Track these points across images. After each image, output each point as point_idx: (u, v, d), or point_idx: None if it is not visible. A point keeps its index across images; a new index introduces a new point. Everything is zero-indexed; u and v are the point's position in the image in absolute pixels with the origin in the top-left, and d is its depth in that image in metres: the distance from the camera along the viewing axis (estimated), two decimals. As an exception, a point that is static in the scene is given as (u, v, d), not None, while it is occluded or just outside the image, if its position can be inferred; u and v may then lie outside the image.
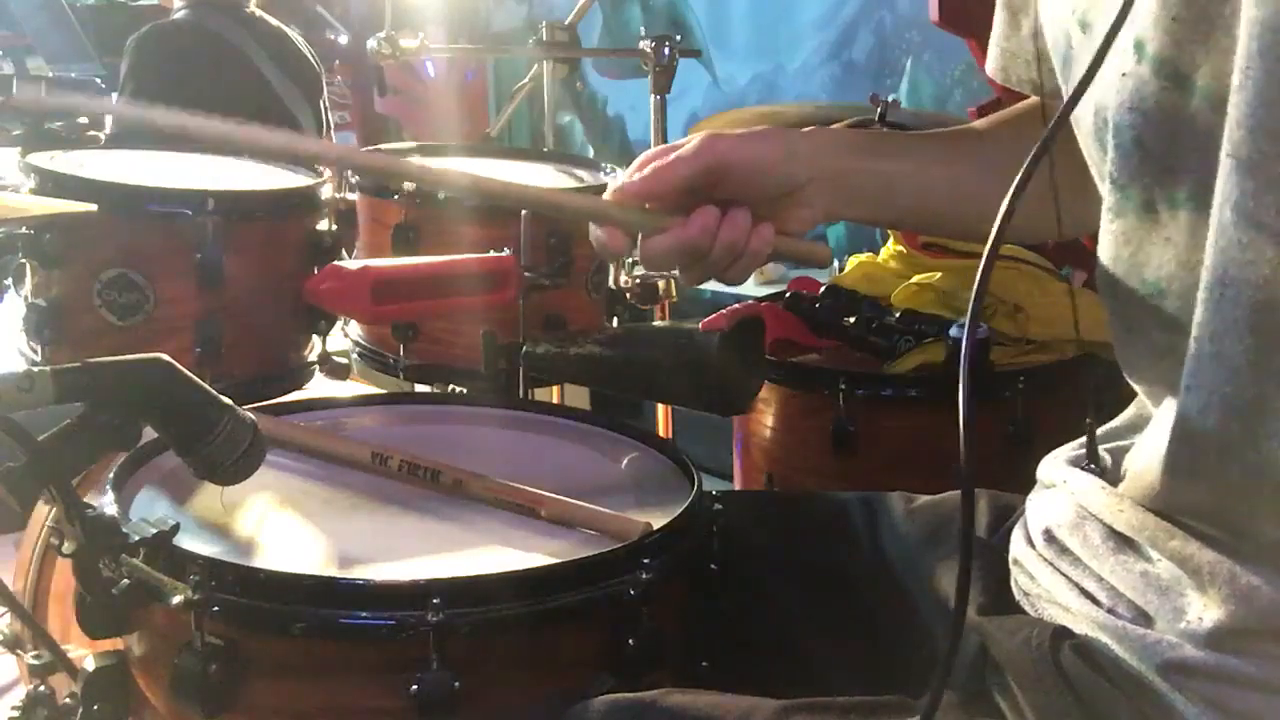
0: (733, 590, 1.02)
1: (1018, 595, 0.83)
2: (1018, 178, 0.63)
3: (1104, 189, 0.74)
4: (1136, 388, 0.80)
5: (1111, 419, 0.86)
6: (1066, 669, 0.72)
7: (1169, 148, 0.69)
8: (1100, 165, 0.75)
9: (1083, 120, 0.77)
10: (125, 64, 2.65)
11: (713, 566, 1.01)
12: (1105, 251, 0.75)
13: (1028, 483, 0.90)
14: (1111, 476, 0.79)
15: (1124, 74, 0.69)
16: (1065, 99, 0.67)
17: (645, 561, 0.90)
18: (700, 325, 1.21)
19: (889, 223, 0.97)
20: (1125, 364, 0.79)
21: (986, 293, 0.65)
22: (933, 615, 0.93)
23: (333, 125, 3.14)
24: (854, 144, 0.97)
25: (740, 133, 0.92)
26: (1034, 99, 0.96)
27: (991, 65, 0.99)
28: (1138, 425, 0.82)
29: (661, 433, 2.08)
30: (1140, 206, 0.72)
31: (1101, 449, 0.83)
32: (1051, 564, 0.80)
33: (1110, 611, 0.73)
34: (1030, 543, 0.83)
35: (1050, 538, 0.80)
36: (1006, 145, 0.97)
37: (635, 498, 1.09)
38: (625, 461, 1.19)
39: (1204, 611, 0.68)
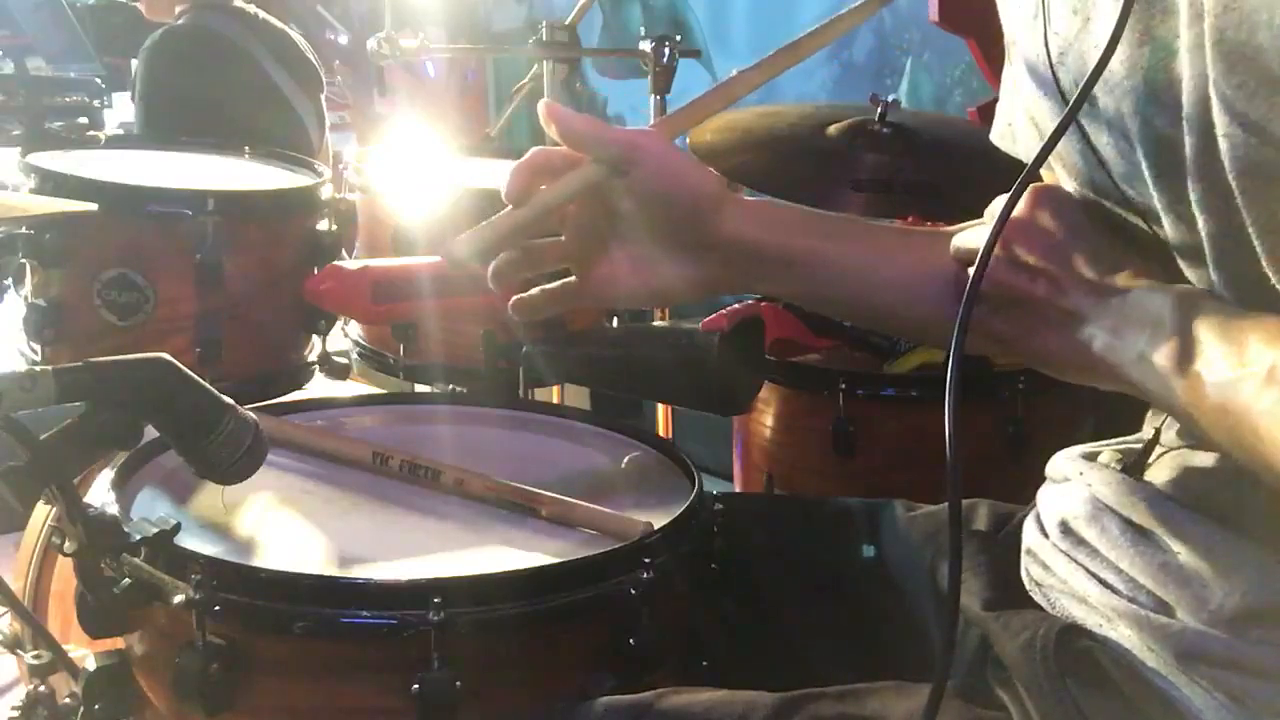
0: (734, 590, 1.02)
1: (1029, 586, 0.84)
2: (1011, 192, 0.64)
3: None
4: None
5: (1111, 419, 0.86)
6: (1069, 676, 0.72)
7: None
8: None
9: None
10: (140, 69, 2.67)
11: (713, 566, 1.01)
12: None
13: (1027, 482, 0.90)
14: (1127, 470, 0.80)
15: None
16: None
17: (646, 561, 0.90)
18: (700, 325, 1.21)
19: (818, 305, 0.91)
20: None
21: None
22: (933, 616, 0.94)
23: (330, 124, 3.14)
24: (801, 221, 0.91)
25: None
26: None
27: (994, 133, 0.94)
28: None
29: (661, 433, 2.08)
30: None
31: (1113, 447, 0.83)
32: (1068, 555, 0.80)
33: (1131, 601, 0.74)
34: (1044, 533, 0.83)
35: (1066, 529, 0.80)
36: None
37: (635, 498, 1.09)
38: (625, 461, 1.19)
39: (1225, 599, 0.69)
